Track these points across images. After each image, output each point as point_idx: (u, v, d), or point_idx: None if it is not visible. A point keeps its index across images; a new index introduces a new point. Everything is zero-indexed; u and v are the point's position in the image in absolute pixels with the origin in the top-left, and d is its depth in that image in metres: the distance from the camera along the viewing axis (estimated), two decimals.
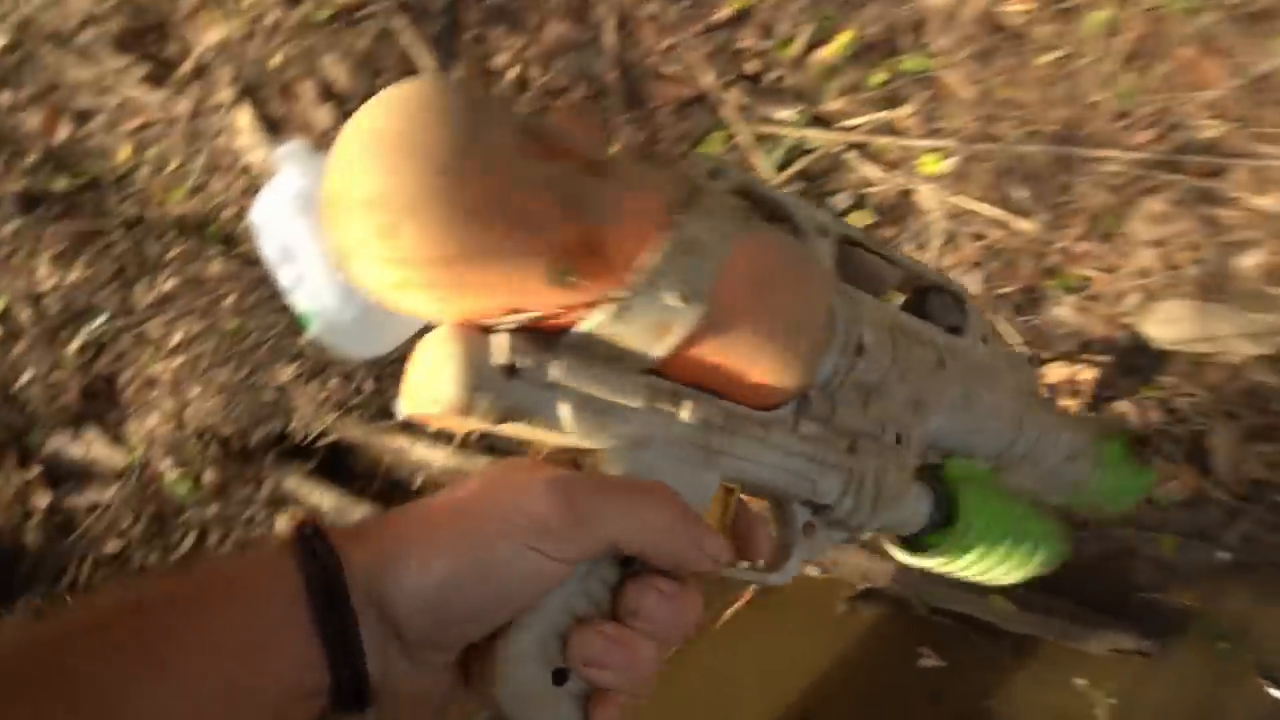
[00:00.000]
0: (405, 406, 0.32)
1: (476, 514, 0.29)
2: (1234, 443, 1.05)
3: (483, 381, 0.30)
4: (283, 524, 1.37)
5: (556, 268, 0.29)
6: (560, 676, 0.31)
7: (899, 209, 1.16)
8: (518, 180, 0.28)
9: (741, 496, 0.39)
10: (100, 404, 1.38)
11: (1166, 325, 1.06)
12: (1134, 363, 1.08)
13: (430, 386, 0.31)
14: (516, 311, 0.30)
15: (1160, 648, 0.99)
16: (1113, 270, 1.09)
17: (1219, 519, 1.04)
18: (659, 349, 0.32)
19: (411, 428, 1.29)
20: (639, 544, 0.30)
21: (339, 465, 1.37)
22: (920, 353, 0.41)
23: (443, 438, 1.26)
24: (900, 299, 0.46)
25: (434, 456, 1.30)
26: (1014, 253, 1.13)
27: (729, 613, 1.05)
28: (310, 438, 1.37)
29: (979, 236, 1.13)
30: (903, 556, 0.46)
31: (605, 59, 1.22)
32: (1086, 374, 1.03)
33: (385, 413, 1.33)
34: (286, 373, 1.35)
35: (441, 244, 0.27)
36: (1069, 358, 1.08)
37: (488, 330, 0.31)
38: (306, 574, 0.27)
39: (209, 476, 1.36)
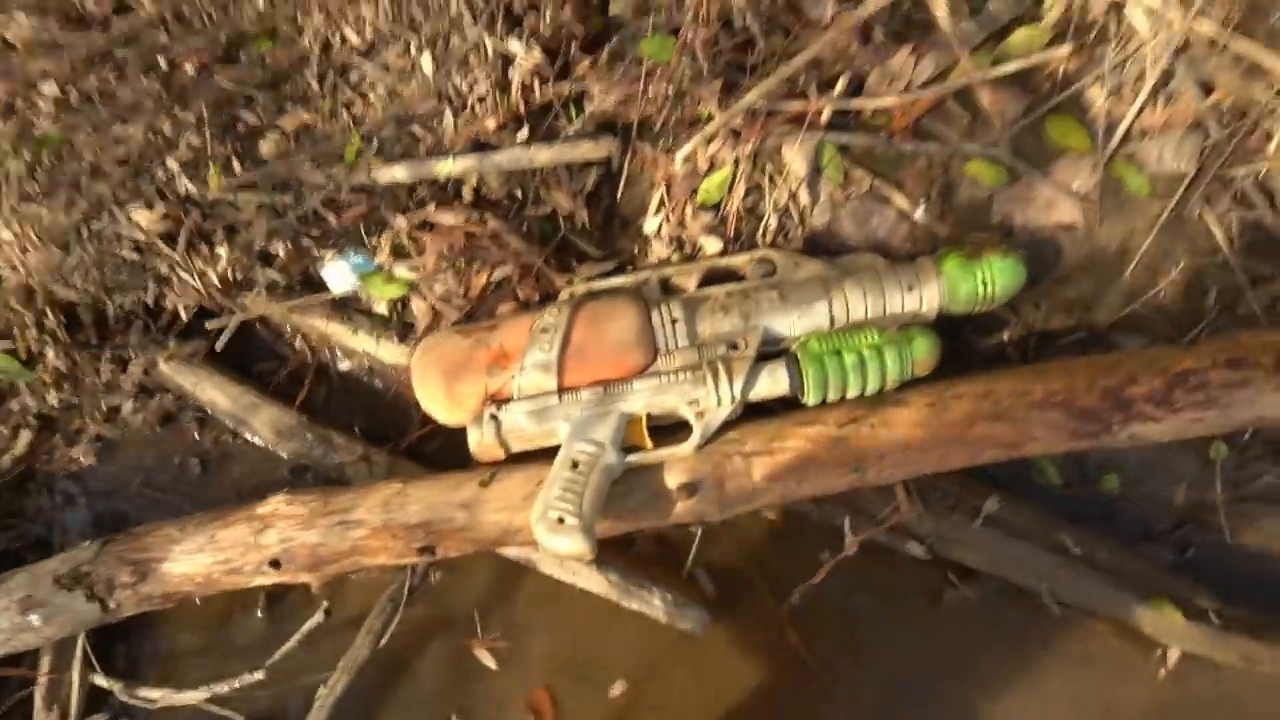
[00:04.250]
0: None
1: None
2: None
3: (484, 424, 0.96)
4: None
5: (488, 371, 0.97)
6: None
7: (1098, 29, 0.82)
8: (459, 351, 0.99)
9: (649, 417, 0.91)
10: None
11: None
12: None
13: (470, 440, 0.97)
14: (488, 394, 0.97)
15: None
16: None
17: None
18: (550, 376, 0.94)
19: (347, 306, 1.08)
20: None
21: (229, 347, 1.07)
22: (726, 299, 0.92)
23: (394, 326, 1.09)
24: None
25: (369, 344, 1.11)
26: (1264, 116, 0.76)
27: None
28: (190, 314, 1.06)
29: (1210, 88, 0.78)
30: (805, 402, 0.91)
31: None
32: None
33: (307, 284, 1.04)
34: (146, 218, 0.96)
35: (445, 389, 0.99)
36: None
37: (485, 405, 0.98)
38: None
39: (49, 355, 1.04)
